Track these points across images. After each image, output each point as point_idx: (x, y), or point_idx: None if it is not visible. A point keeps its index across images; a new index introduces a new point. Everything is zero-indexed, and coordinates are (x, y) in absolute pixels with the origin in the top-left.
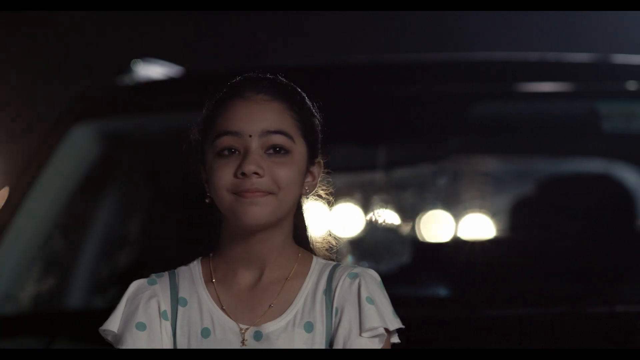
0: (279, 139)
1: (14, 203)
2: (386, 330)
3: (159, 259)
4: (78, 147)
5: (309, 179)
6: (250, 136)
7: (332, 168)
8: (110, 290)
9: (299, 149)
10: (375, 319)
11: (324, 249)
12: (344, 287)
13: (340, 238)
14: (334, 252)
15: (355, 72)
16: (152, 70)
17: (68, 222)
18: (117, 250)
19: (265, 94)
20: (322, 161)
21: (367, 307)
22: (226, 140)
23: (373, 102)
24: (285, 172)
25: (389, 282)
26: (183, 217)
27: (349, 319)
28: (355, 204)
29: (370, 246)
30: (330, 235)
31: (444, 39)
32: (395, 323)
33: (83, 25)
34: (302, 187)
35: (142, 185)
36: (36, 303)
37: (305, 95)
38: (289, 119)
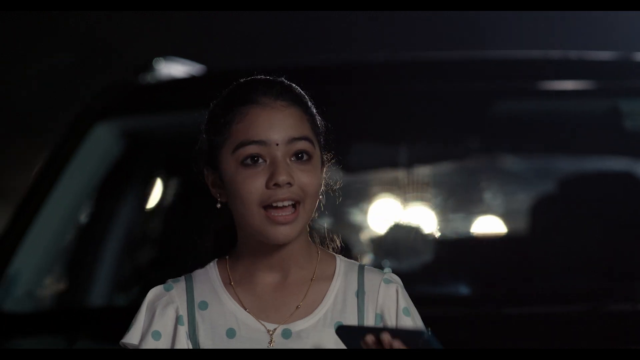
0: (303, 145)
1: (36, 201)
2: None
3: (180, 257)
4: (100, 145)
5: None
6: (277, 144)
7: (354, 166)
8: (132, 288)
9: (317, 152)
10: None
11: (331, 248)
12: (382, 293)
13: (362, 235)
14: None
15: (377, 70)
16: (174, 69)
17: (90, 219)
18: (138, 248)
19: (283, 99)
20: (327, 160)
21: (404, 320)
22: (251, 149)
23: (395, 100)
24: (310, 178)
25: (411, 280)
26: (204, 216)
27: None
28: (376, 201)
29: (392, 244)
30: (336, 235)
31: (466, 37)
32: None
33: (105, 23)
34: None
35: (163, 183)
36: (58, 301)
37: (304, 93)
38: (306, 123)
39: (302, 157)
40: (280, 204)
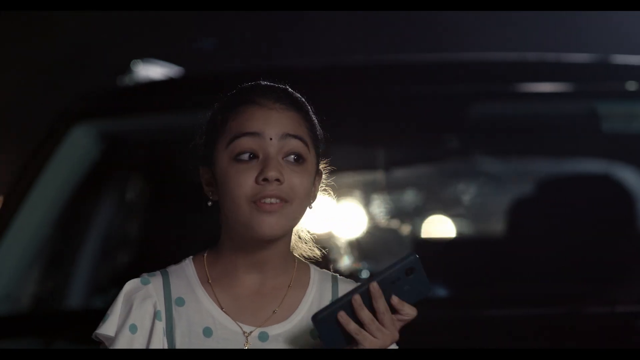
0: (297, 145)
1: (14, 203)
2: None
3: (158, 260)
4: (78, 148)
5: (312, 188)
6: (270, 139)
7: (332, 168)
8: (110, 290)
9: (312, 158)
10: None
11: (309, 259)
12: None
13: (339, 238)
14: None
15: (355, 72)
16: (152, 71)
17: (68, 222)
18: (116, 250)
19: (282, 102)
20: (323, 172)
21: None
22: (245, 142)
23: (372, 102)
24: (301, 180)
25: None
26: (182, 218)
27: None
28: (354, 204)
29: (369, 246)
30: (314, 243)
31: (443, 39)
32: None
33: (83, 25)
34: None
35: (141, 185)
36: (36, 303)
37: (309, 105)
38: (304, 128)
39: (296, 159)
40: (267, 201)
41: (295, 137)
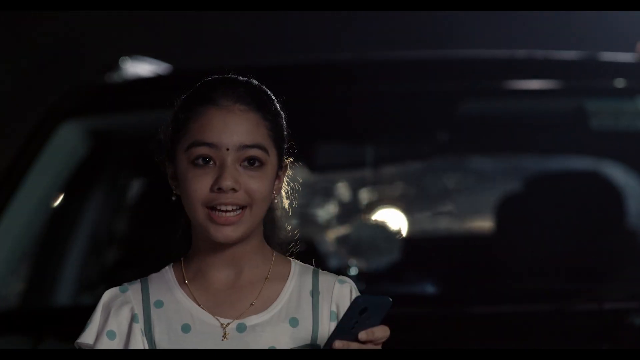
0: (255, 152)
1: (1, 200)
2: None
3: (146, 257)
4: (66, 145)
5: (275, 182)
6: (227, 149)
7: (321, 166)
8: (99, 287)
9: (272, 160)
10: None
11: (283, 248)
12: (337, 292)
13: (327, 235)
14: (291, 249)
15: (344, 69)
16: (141, 68)
17: (56, 219)
18: (105, 247)
19: (242, 103)
20: (288, 163)
21: None
22: (201, 150)
23: (361, 99)
24: (259, 185)
25: (377, 279)
26: (171, 215)
27: None
28: (343, 201)
29: (358, 243)
30: (288, 232)
31: (432, 37)
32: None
33: (71, 22)
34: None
35: (130, 182)
36: (24, 300)
37: (273, 97)
38: (263, 129)
39: (253, 162)
40: (223, 208)
41: (252, 146)
